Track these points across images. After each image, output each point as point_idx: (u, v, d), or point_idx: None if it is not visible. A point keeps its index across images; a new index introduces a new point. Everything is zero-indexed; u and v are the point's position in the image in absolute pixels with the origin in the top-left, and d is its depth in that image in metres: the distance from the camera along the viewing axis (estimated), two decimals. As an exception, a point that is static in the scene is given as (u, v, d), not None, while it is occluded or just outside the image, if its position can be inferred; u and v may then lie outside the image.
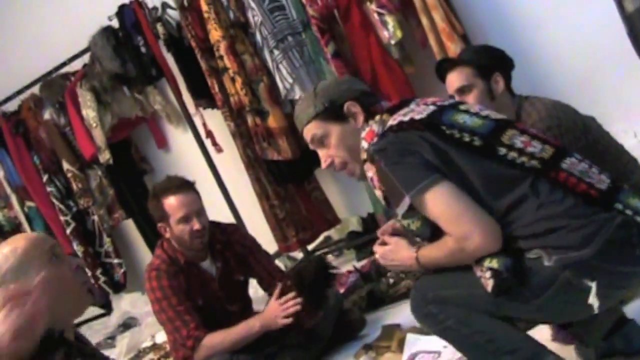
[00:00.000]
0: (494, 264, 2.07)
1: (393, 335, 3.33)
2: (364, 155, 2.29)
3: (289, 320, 3.32)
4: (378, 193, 2.28)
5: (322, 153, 2.44)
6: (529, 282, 2.07)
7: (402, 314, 3.65)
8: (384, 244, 2.42)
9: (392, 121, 2.23)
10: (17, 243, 2.01)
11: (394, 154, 2.15)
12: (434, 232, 2.19)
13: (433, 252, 2.21)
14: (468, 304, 2.18)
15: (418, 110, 2.23)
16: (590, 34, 4.45)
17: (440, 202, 2.10)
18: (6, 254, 1.97)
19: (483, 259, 2.10)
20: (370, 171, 2.25)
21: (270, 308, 3.40)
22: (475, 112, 2.25)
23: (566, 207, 2.05)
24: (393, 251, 2.37)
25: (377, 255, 2.46)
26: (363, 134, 2.31)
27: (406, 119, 2.20)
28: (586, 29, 4.46)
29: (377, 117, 2.30)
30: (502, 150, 2.13)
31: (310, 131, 2.42)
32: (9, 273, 1.93)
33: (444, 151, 2.12)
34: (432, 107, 2.24)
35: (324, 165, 2.44)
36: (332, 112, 2.38)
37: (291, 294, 3.36)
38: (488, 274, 2.08)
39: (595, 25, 4.39)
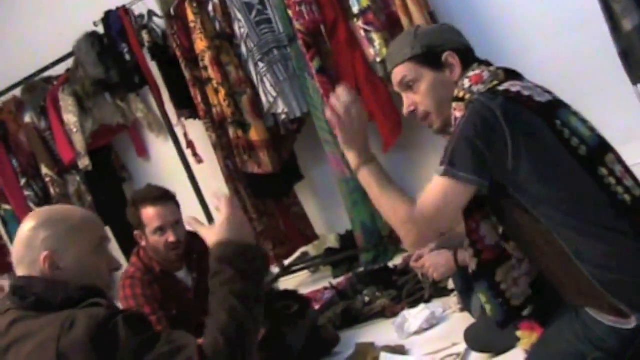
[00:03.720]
0: (488, 309, 2.21)
1: (367, 353, 3.31)
2: (460, 93, 2.18)
3: None
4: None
5: (407, 98, 2.33)
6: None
7: (376, 332, 3.65)
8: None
9: (511, 86, 2.10)
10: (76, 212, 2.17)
11: (483, 124, 2.00)
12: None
13: (394, 199, 2.20)
14: None
15: (538, 92, 2.11)
16: (579, 59, 4.48)
17: (445, 192, 2.04)
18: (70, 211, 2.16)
19: (482, 296, 2.22)
20: (459, 112, 2.15)
21: None
22: (583, 119, 2.15)
23: None
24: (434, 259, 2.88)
25: (427, 265, 2.92)
26: (470, 74, 2.19)
27: (526, 93, 2.08)
28: (575, 54, 4.48)
29: (492, 68, 2.21)
30: (603, 171, 2.03)
31: (401, 72, 2.30)
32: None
33: (547, 145, 2.01)
34: (549, 96, 2.14)
35: (405, 111, 2.34)
36: (430, 58, 2.26)
37: None
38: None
39: (584, 50, 4.41)
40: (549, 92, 2.18)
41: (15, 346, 1.86)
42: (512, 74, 2.21)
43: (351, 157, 2.32)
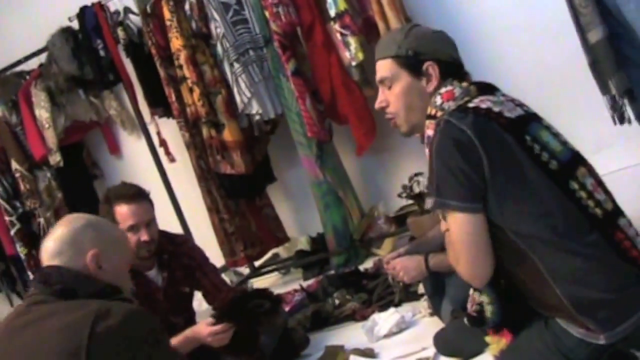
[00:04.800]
0: (489, 310, 2.22)
1: (336, 356, 3.31)
2: (432, 111, 2.20)
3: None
4: (427, 151, 2.20)
5: (382, 93, 2.36)
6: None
7: (346, 335, 3.64)
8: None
9: (481, 102, 2.13)
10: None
11: (456, 147, 2.04)
12: None
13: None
14: None
15: (508, 108, 2.14)
16: (551, 69, 4.52)
17: (458, 228, 2.10)
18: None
19: (486, 297, 2.22)
20: (431, 130, 2.17)
21: (201, 330, 3.22)
22: (556, 132, 2.18)
23: (621, 278, 2.01)
24: (405, 263, 2.88)
25: (398, 268, 2.91)
26: (442, 90, 2.21)
27: (496, 109, 2.11)
28: (547, 64, 4.53)
29: (465, 84, 2.22)
30: (574, 185, 2.07)
31: (382, 67, 2.34)
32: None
33: (517, 161, 2.05)
34: (520, 111, 2.17)
35: (377, 105, 2.39)
36: (411, 63, 2.28)
37: (225, 326, 3.20)
38: (474, 306, 2.28)
39: (556, 61, 4.46)
40: (521, 106, 2.21)
41: (35, 324, 1.95)
42: (485, 89, 2.23)
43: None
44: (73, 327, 1.87)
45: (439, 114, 2.16)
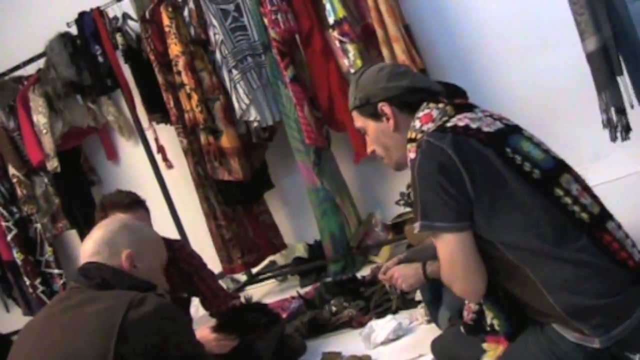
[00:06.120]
0: (496, 324, 2.24)
1: (333, 363, 3.31)
2: (412, 134, 2.22)
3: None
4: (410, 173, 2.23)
5: (367, 139, 2.47)
6: None
7: (343, 342, 3.64)
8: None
9: (459, 120, 2.16)
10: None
11: (438, 167, 2.07)
12: None
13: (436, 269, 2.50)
14: None
15: (486, 122, 2.17)
16: (550, 77, 4.53)
17: (446, 248, 2.12)
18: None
19: (489, 312, 2.25)
20: (412, 153, 2.18)
21: (207, 335, 3.22)
22: (538, 142, 2.20)
23: (613, 282, 2.02)
24: (403, 271, 2.81)
25: (396, 276, 2.83)
26: (420, 114, 2.24)
27: (474, 125, 2.14)
28: (546, 73, 4.53)
29: (441, 105, 2.24)
30: (559, 192, 2.08)
31: (354, 119, 2.45)
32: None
33: (499, 174, 2.06)
34: (499, 125, 2.20)
35: (368, 150, 2.49)
36: (368, 109, 2.36)
37: (227, 337, 3.23)
38: (470, 315, 2.33)
39: (555, 69, 4.46)
40: (500, 120, 2.24)
41: (75, 308, 2.09)
42: (462, 107, 2.25)
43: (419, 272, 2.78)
44: (109, 311, 2.00)
45: (419, 136, 2.18)
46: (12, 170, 5.76)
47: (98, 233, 2.31)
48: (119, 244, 2.26)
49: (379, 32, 4.48)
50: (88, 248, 2.27)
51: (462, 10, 4.80)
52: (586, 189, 2.16)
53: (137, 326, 1.98)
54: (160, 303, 2.07)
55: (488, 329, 2.32)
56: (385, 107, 2.32)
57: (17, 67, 5.70)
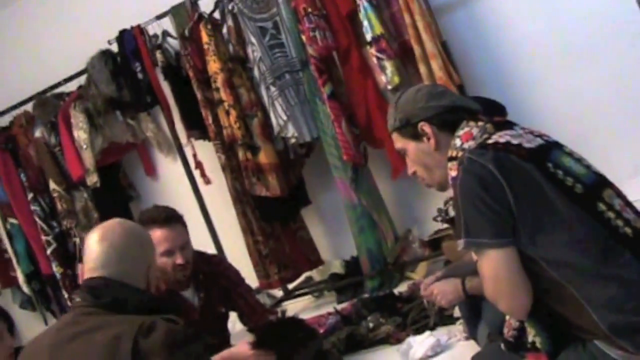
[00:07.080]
0: (537, 341, 2.19)
1: (371, 378, 3.31)
2: (452, 153, 2.24)
3: None
4: (452, 191, 2.24)
5: (407, 161, 2.48)
6: None
7: (380, 358, 3.64)
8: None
9: (500, 137, 2.17)
10: None
11: (480, 183, 2.07)
12: None
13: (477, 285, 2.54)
14: None
15: (527, 139, 2.17)
16: (588, 93, 4.50)
17: (491, 264, 2.11)
18: None
19: (530, 329, 2.21)
20: (454, 171, 2.20)
21: (245, 350, 3.23)
22: (578, 157, 2.20)
23: None
24: (442, 287, 2.88)
25: (435, 292, 2.90)
26: (460, 133, 2.25)
27: (515, 142, 2.14)
28: (584, 88, 4.51)
29: (480, 123, 2.26)
30: (602, 207, 2.07)
31: (394, 141, 2.47)
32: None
33: (542, 189, 2.06)
34: (540, 141, 2.20)
35: (409, 172, 2.50)
36: (408, 130, 2.38)
37: (266, 353, 3.22)
38: (511, 332, 2.30)
39: (592, 85, 4.44)
40: (540, 136, 2.23)
41: (84, 336, 2.04)
42: (502, 125, 2.26)
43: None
44: (118, 339, 1.96)
45: (460, 154, 2.20)
46: (52, 185, 5.82)
47: (104, 244, 2.22)
48: (139, 259, 2.26)
49: (417, 49, 4.49)
50: (93, 259, 2.20)
51: (499, 26, 4.80)
52: (628, 204, 2.15)
53: (147, 356, 1.95)
54: (169, 330, 2.02)
55: (529, 346, 2.30)
56: (425, 127, 2.34)
57: (59, 84, 5.79)
